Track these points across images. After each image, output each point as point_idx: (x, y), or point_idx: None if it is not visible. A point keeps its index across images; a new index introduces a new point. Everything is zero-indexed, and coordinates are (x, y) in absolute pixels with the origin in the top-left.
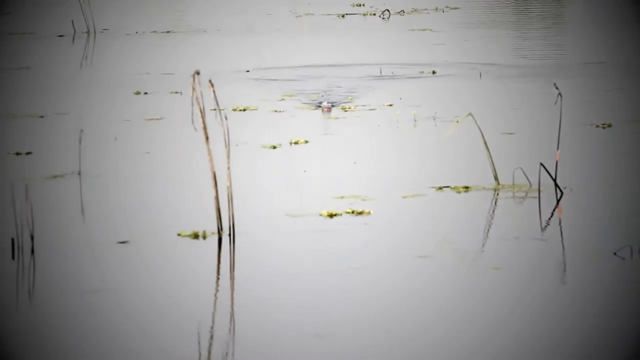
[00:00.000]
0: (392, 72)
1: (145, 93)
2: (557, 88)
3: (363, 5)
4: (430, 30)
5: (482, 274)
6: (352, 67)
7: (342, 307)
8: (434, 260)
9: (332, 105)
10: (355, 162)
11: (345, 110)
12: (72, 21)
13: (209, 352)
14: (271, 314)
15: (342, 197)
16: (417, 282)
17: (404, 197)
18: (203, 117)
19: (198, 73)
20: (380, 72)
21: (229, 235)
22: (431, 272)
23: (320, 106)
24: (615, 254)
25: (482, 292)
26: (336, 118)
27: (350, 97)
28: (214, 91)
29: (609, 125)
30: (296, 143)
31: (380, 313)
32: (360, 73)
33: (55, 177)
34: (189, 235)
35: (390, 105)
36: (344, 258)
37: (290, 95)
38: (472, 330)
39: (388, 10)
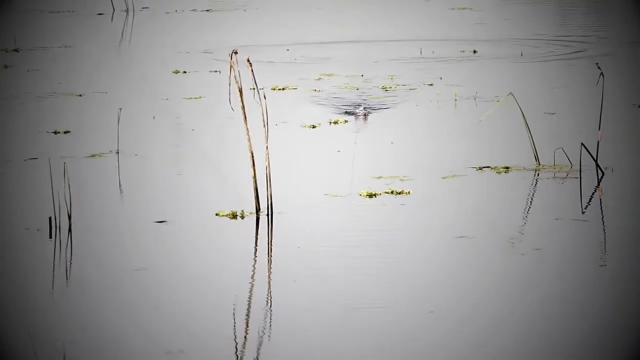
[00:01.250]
0: (433, 52)
1: (184, 72)
2: (599, 68)
3: None
4: (471, 9)
5: (522, 255)
6: (392, 46)
7: (379, 285)
8: (474, 240)
9: (368, 113)
10: (392, 142)
11: (386, 90)
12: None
13: (246, 329)
14: (308, 293)
15: (381, 177)
16: (456, 263)
17: (443, 178)
18: (241, 97)
19: (236, 52)
20: (421, 52)
21: (267, 215)
22: (470, 252)
23: (355, 113)
24: None
25: (521, 273)
26: (377, 97)
27: (390, 77)
28: (252, 70)
29: None
30: (335, 123)
31: (419, 292)
32: (401, 52)
33: (93, 156)
34: (227, 215)
35: (431, 85)
36: (383, 238)
37: (329, 75)
38: (511, 311)
39: None
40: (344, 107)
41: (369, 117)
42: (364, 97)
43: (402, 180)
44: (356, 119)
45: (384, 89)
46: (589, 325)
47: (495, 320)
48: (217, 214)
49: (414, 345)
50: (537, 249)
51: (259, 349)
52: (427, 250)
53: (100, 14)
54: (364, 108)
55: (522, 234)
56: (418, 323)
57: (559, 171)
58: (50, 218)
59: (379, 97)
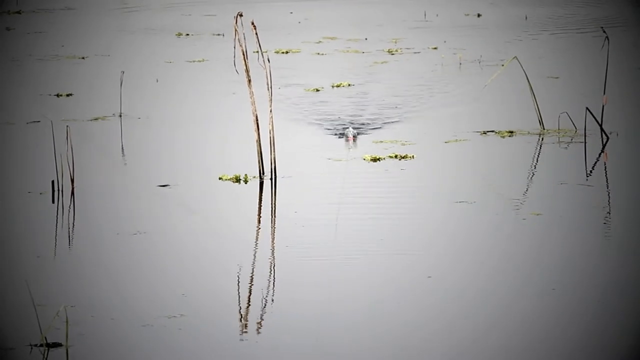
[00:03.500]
0: (437, 15)
1: (187, 35)
2: (604, 32)
3: None
4: None
5: (523, 220)
6: (395, 9)
7: (382, 249)
8: (476, 205)
9: (357, 135)
10: (396, 107)
11: (392, 54)
12: None
13: (249, 294)
14: (311, 256)
15: (385, 142)
16: (457, 226)
17: (445, 142)
18: (245, 60)
19: (241, 15)
20: (425, 15)
21: (271, 179)
22: (472, 216)
23: (343, 135)
24: None
25: (522, 238)
26: (383, 62)
27: (394, 40)
28: (256, 33)
29: None
30: (339, 86)
31: (421, 256)
32: (404, 16)
33: (96, 119)
34: (230, 179)
35: (435, 48)
36: (386, 202)
37: (331, 38)
38: (511, 276)
39: None
40: (336, 129)
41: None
42: (348, 149)
43: (406, 144)
44: (346, 140)
45: (390, 52)
46: (592, 290)
47: (494, 285)
48: (220, 178)
49: (411, 309)
50: (539, 214)
51: (262, 313)
52: (428, 214)
53: None
54: (353, 129)
55: (525, 198)
56: (414, 285)
57: (563, 136)
58: (53, 181)
59: (386, 62)
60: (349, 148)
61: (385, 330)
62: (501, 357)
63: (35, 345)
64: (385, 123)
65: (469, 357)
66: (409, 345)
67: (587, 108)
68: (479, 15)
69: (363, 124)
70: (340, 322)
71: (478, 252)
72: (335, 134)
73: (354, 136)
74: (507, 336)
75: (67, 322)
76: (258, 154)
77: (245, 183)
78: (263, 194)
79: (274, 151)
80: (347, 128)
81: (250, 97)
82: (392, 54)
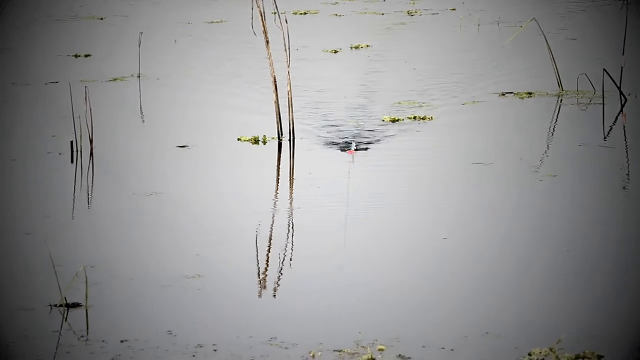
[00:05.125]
0: None
1: None
2: None
3: None
4: None
5: (540, 182)
6: None
7: (398, 210)
8: (492, 167)
9: (357, 149)
10: (415, 69)
11: (412, 15)
12: None
13: (268, 254)
14: (328, 216)
15: (403, 103)
16: (474, 188)
17: (463, 104)
18: (263, 21)
19: None
20: None
21: (289, 140)
22: (489, 178)
23: (345, 149)
24: None
25: (539, 200)
26: (402, 24)
27: (412, 2)
28: None
29: None
30: (357, 48)
31: (436, 217)
32: None
33: (115, 80)
34: (249, 140)
35: (454, 9)
36: (404, 163)
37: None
38: (529, 235)
39: None
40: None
41: (362, 151)
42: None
43: (423, 106)
44: (346, 152)
45: (409, 14)
46: (608, 252)
47: (509, 247)
48: (239, 139)
49: (426, 270)
50: (555, 175)
51: (280, 273)
52: (446, 175)
53: None
54: (356, 144)
55: (543, 160)
56: (431, 249)
57: (582, 97)
58: (72, 142)
59: (404, 23)
60: (351, 162)
61: (401, 290)
62: (515, 318)
63: (55, 306)
64: (403, 85)
65: (482, 318)
66: (424, 305)
67: (604, 70)
68: None
69: (379, 88)
70: (357, 282)
71: (493, 214)
72: (339, 143)
73: (356, 149)
74: (521, 298)
75: (86, 282)
76: (277, 114)
77: (264, 144)
78: (282, 154)
79: (292, 112)
80: (350, 143)
81: (269, 59)
82: (412, 16)
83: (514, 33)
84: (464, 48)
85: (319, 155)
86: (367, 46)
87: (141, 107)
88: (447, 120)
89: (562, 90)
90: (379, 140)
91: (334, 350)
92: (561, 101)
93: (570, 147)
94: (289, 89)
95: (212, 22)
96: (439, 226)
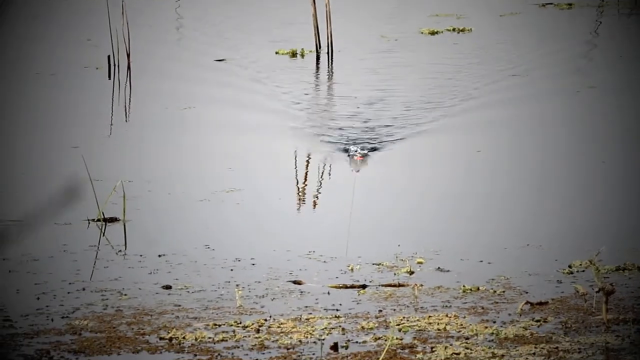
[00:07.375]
0: None
1: None
2: None
3: None
4: None
5: (577, 92)
6: None
7: (436, 125)
8: (529, 78)
9: (365, 155)
10: None
11: None
12: None
13: (307, 168)
14: (364, 131)
15: (440, 15)
16: (511, 97)
17: (501, 16)
18: None
19: None
20: None
21: (327, 53)
22: (524, 88)
23: (350, 154)
24: None
25: (576, 110)
26: None
27: None
28: None
29: None
30: None
31: (470, 130)
32: None
33: None
34: (287, 54)
35: None
36: (441, 73)
37: None
38: (565, 146)
39: None
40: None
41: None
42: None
43: (461, 17)
44: (350, 159)
45: None
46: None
47: (544, 158)
48: (277, 52)
49: (464, 184)
50: (593, 87)
51: (319, 187)
52: (484, 85)
53: None
54: (361, 148)
55: (581, 71)
56: (465, 160)
57: (622, 7)
58: (109, 56)
59: None
60: (355, 169)
61: (440, 205)
62: (555, 230)
63: (93, 220)
64: None
65: (522, 230)
66: (463, 219)
67: None
68: None
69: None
70: (398, 197)
71: (531, 127)
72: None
73: (362, 155)
74: (561, 210)
75: (124, 197)
76: (314, 28)
77: (302, 57)
78: (320, 67)
79: (330, 25)
80: (355, 149)
81: None
82: None
83: None
84: None
85: (358, 69)
86: None
87: (178, 22)
88: (487, 31)
89: (602, 0)
90: (420, 51)
91: (373, 264)
92: (602, 12)
93: (610, 58)
94: (327, 1)
95: None
96: (475, 140)
